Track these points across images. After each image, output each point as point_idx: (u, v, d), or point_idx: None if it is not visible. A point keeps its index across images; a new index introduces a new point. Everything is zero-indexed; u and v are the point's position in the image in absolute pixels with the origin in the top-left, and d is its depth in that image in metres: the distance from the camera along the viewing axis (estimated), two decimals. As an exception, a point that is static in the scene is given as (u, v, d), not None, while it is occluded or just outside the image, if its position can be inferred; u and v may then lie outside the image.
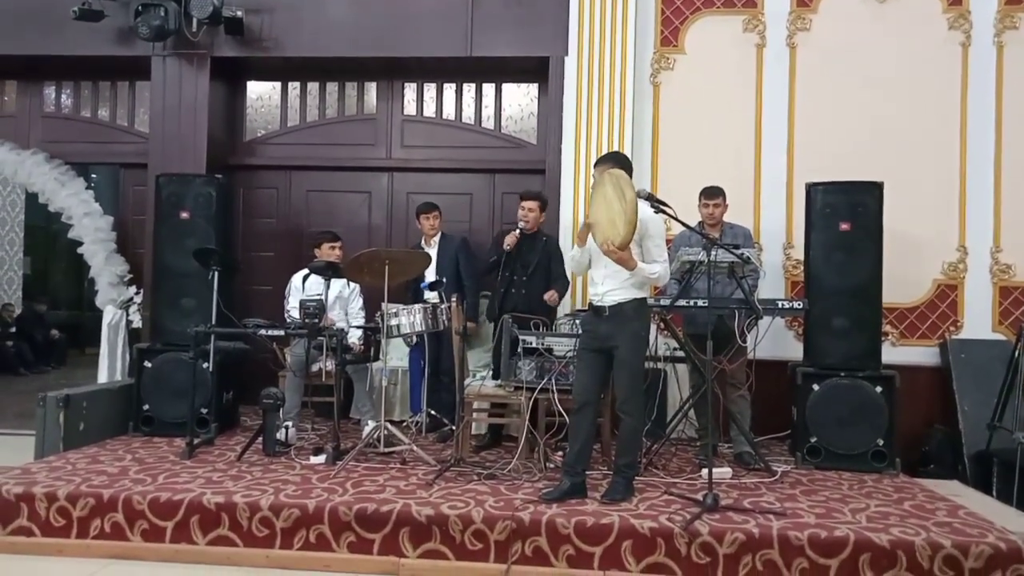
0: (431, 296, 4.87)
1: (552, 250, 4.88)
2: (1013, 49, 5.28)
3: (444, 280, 4.87)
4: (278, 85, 6.31)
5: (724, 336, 4.16)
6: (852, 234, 4.51)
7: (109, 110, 6.38)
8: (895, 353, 5.12)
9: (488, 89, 6.15)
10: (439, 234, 5.25)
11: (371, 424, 4.73)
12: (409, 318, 4.36)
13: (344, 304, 5.15)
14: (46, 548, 3.44)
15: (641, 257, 3.58)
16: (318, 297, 4.58)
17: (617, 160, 3.73)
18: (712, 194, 4.57)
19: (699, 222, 4.56)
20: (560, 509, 3.39)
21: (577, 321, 4.37)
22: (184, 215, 5.05)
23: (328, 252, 5.10)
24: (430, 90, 6.20)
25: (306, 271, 5.03)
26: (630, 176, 3.60)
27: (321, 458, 4.21)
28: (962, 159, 5.29)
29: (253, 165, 6.26)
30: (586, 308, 4.04)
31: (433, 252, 5.09)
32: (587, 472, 3.72)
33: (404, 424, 5.12)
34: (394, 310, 4.42)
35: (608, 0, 5.45)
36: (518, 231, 4.70)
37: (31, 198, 8.43)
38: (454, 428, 4.29)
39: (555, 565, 3.23)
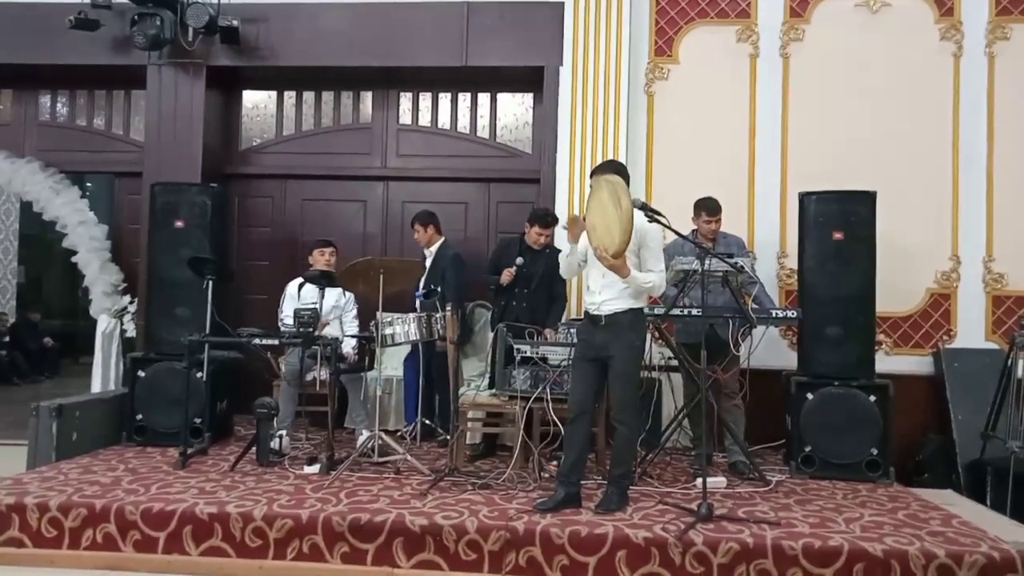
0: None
1: (557, 265, 4.84)
2: (1004, 59, 5.32)
3: (439, 289, 4.87)
4: (274, 94, 6.33)
5: (718, 345, 4.17)
6: (845, 243, 4.52)
7: (104, 119, 6.39)
8: (889, 362, 5.12)
9: (483, 99, 6.17)
10: (439, 243, 5.21)
11: (365, 434, 4.72)
12: (404, 327, 4.37)
13: (339, 313, 5.13)
14: (37, 559, 3.41)
15: (638, 266, 3.58)
16: (313, 306, 4.58)
17: (614, 168, 3.73)
18: (714, 211, 4.52)
19: (692, 230, 4.57)
20: (554, 519, 3.38)
21: (572, 330, 4.37)
22: (179, 224, 5.04)
23: (319, 258, 5.09)
24: (425, 99, 6.22)
25: (301, 279, 5.03)
26: (627, 184, 3.61)
27: (315, 468, 4.19)
28: (954, 168, 5.32)
29: (248, 174, 6.26)
30: (581, 318, 4.04)
31: (429, 261, 5.10)
32: (582, 482, 3.71)
33: (398, 434, 5.12)
34: (388, 319, 4.42)
35: (603, 10, 5.49)
36: (514, 268, 4.68)
37: (26, 207, 8.41)
38: (448, 437, 4.29)
39: (549, 575, 3.22)
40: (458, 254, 5.18)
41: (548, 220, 4.78)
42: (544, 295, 4.77)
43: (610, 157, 5.30)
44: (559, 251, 4.92)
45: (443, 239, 5.24)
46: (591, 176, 3.94)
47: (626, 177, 3.71)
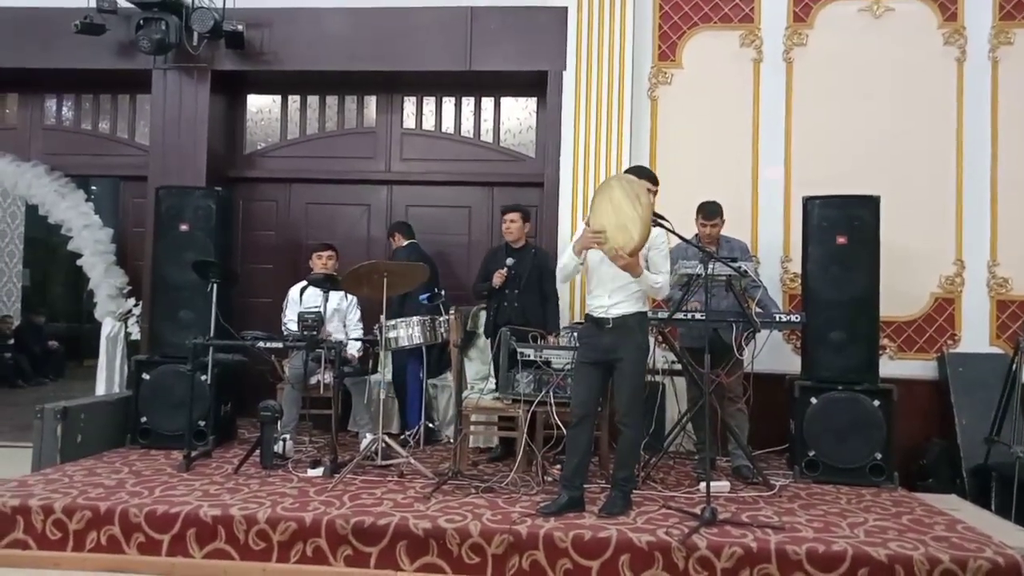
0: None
1: (543, 264, 4.85)
2: (1007, 64, 5.31)
3: (442, 292, 4.89)
4: (278, 98, 6.35)
5: (722, 349, 4.17)
6: (849, 247, 4.52)
7: (110, 123, 6.41)
8: (893, 367, 5.12)
9: (487, 103, 6.18)
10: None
11: (369, 437, 4.72)
12: (407, 331, 4.37)
13: (342, 316, 5.15)
14: (42, 561, 3.42)
15: (646, 268, 3.59)
16: (316, 309, 4.59)
17: (643, 174, 3.75)
18: (711, 215, 4.53)
19: (695, 234, 4.57)
20: (558, 523, 3.38)
21: (575, 334, 4.37)
22: (183, 227, 5.06)
23: (317, 262, 5.12)
24: (429, 103, 6.23)
25: (304, 283, 5.04)
26: (656, 188, 3.61)
27: (319, 471, 4.20)
28: (958, 173, 5.31)
29: (253, 178, 6.28)
30: (583, 321, 4.04)
31: None
32: (585, 486, 3.71)
33: (402, 437, 5.12)
34: (392, 323, 4.43)
35: (607, 15, 5.50)
36: (505, 269, 4.71)
37: (31, 210, 8.44)
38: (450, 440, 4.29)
39: (552, 579, 3.22)
40: (409, 245, 5.51)
41: (509, 206, 4.89)
42: (534, 294, 4.78)
43: (613, 161, 5.36)
44: (545, 251, 5.02)
45: (408, 241, 5.51)
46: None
47: (655, 183, 3.77)
